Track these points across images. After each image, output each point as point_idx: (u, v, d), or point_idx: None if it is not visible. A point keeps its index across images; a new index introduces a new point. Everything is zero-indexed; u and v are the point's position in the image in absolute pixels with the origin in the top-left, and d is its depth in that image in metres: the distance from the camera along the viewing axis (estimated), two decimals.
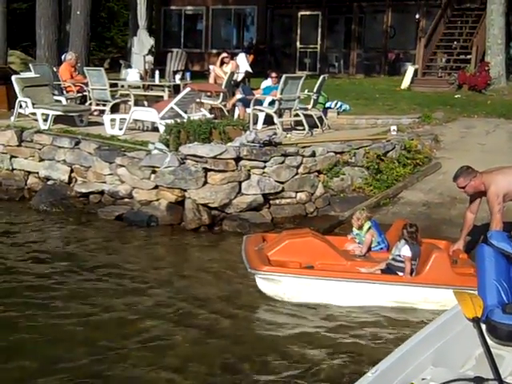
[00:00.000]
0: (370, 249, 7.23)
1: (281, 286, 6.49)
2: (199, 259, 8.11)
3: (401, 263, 6.56)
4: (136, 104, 12.55)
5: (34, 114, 11.97)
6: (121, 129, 11.23)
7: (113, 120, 11.50)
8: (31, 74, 13.65)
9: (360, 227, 7.30)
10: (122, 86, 14.38)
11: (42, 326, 5.88)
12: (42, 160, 10.64)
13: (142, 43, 15.04)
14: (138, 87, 14.35)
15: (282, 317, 6.31)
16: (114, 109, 12.80)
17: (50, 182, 10.42)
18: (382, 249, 7.25)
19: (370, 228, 7.27)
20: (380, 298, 6.41)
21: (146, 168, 9.37)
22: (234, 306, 6.51)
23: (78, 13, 16.24)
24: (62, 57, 15.20)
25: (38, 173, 10.63)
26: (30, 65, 14.82)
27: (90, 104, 13.44)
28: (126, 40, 28.63)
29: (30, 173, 10.77)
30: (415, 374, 3.71)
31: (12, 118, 12.24)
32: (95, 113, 13.33)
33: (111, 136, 10.98)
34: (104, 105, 13.13)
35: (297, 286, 6.49)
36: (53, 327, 5.87)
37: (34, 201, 10.10)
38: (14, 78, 12.47)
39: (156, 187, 9.29)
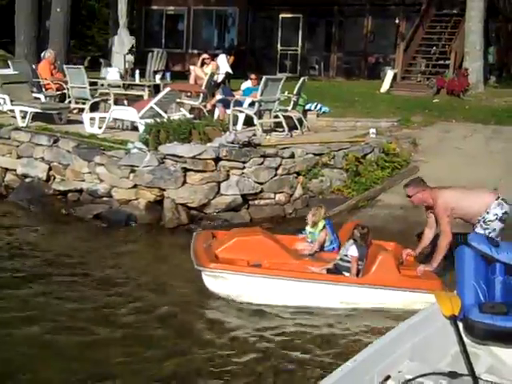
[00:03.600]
0: (322, 248, 7.23)
1: (227, 283, 6.44)
2: (174, 258, 8.05)
3: (348, 263, 6.57)
4: (116, 103, 12.52)
5: (12, 110, 11.89)
6: (100, 127, 11.18)
7: (92, 118, 11.44)
8: (10, 71, 13.55)
9: (314, 225, 7.27)
10: (102, 85, 14.30)
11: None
12: (19, 157, 10.56)
13: (122, 42, 14.98)
14: (118, 86, 14.27)
15: (225, 317, 6.30)
16: (94, 107, 12.73)
17: (27, 180, 10.35)
18: (334, 248, 7.22)
19: (324, 227, 7.27)
20: (325, 298, 6.40)
21: (125, 167, 9.34)
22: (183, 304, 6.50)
23: (58, 10, 16.13)
24: (42, 54, 15.09)
25: (15, 170, 10.54)
26: (9, 62, 14.70)
27: (70, 102, 13.37)
28: (106, 39, 28.45)
29: (7, 170, 10.67)
30: (392, 366, 3.80)
31: None
32: (74, 111, 13.27)
33: (90, 134, 10.92)
34: (83, 103, 13.07)
35: (243, 284, 6.43)
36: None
37: (11, 198, 10.03)
38: None
39: (135, 186, 9.27)
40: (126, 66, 14.89)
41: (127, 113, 11.22)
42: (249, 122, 11.86)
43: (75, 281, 7.02)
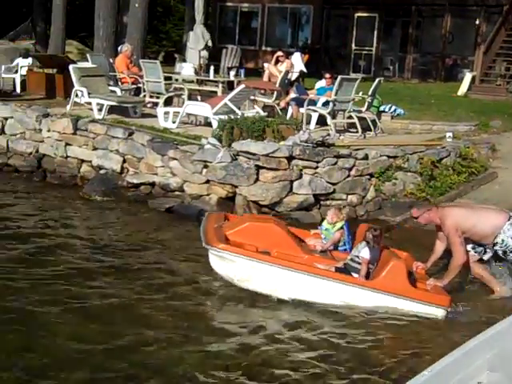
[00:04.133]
0: (336, 247, 7.16)
1: (233, 266, 6.42)
2: None
3: (358, 265, 6.47)
4: (189, 98, 12.67)
5: (89, 103, 12.19)
6: (174, 122, 11.35)
7: (166, 113, 11.63)
8: (88, 64, 13.91)
9: (333, 223, 7.21)
10: (176, 80, 14.54)
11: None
12: (95, 149, 10.83)
13: (197, 38, 15.18)
14: (192, 81, 14.48)
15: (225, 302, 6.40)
16: (168, 102, 12.94)
17: (102, 171, 10.61)
18: (345, 250, 7.12)
19: (342, 227, 7.21)
20: (329, 296, 6.30)
21: (199, 162, 9.46)
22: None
23: (137, 5, 16.46)
24: (119, 48, 15.43)
25: (91, 161, 10.82)
26: (88, 55, 15.09)
27: (144, 96, 13.63)
28: (180, 34, 28.89)
29: (83, 161, 10.96)
30: (471, 377, 3.69)
31: (68, 107, 12.49)
32: (148, 105, 13.50)
33: (164, 129, 11.11)
34: (158, 97, 13.29)
35: (248, 269, 6.38)
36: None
37: (86, 188, 10.29)
38: (71, 67, 12.71)
39: (207, 182, 9.38)
40: (201, 61, 15.07)
41: (201, 108, 11.35)
42: (322, 121, 11.82)
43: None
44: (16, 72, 15.37)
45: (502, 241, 6.43)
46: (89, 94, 12.10)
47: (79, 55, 20.96)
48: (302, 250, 6.85)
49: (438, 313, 6.15)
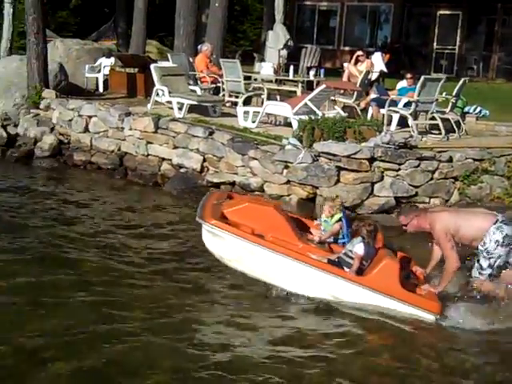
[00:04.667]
0: (336, 240, 7.13)
1: (223, 244, 6.44)
2: None
3: (351, 259, 6.40)
4: (268, 98, 12.75)
5: (169, 102, 12.44)
6: (253, 121, 11.44)
7: (246, 112, 11.73)
8: (169, 64, 14.19)
9: (331, 216, 7.20)
10: (255, 80, 14.64)
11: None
12: (175, 147, 11.04)
13: (277, 37, 15.25)
14: (271, 81, 14.56)
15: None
16: (246, 101, 13.06)
17: (182, 170, 10.81)
18: (344, 243, 7.02)
19: (340, 219, 7.17)
20: (317, 288, 6.27)
21: (279, 162, 9.52)
22: None
23: (217, 5, 16.68)
24: (198, 47, 15.68)
25: (171, 160, 11.04)
26: (168, 54, 15.40)
27: (223, 95, 13.79)
28: (257, 34, 29.08)
29: (163, 159, 11.20)
30: None
31: (149, 106, 12.78)
32: (227, 104, 13.66)
33: (244, 128, 11.21)
34: (237, 97, 13.43)
35: (238, 249, 6.39)
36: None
37: (166, 187, 10.53)
38: (152, 66, 13.01)
39: (288, 182, 9.42)
40: (280, 61, 15.12)
41: (281, 108, 11.39)
42: (403, 122, 11.66)
43: None
44: (99, 71, 15.84)
45: (484, 243, 6.34)
46: (169, 92, 12.33)
47: (158, 55, 21.40)
48: (299, 238, 6.76)
49: (428, 319, 6.10)
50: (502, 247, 6.30)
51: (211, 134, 10.72)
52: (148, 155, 11.39)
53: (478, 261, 6.41)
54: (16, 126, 13.10)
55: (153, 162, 11.29)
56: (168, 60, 14.75)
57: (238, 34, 30.45)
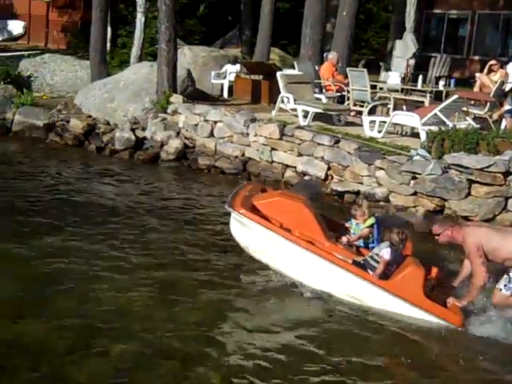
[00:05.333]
0: (367, 245, 7.10)
1: (250, 234, 6.61)
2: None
3: (376, 263, 6.40)
4: (394, 108, 12.62)
5: (294, 109, 12.59)
6: (379, 131, 11.37)
7: (372, 122, 11.68)
8: (295, 72, 14.36)
9: (363, 221, 7.19)
10: (381, 89, 14.53)
11: None
12: (300, 155, 11.15)
13: (406, 46, 15.07)
14: (396, 91, 14.40)
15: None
16: (371, 111, 12.99)
17: (306, 177, 10.89)
18: (372, 248, 6.92)
19: (372, 225, 7.12)
20: (339, 287, 6.38)
21: (407, 173, 9.40)
22: None
23: (344, 14, 16.70)
24: (324, 56, 15.77)
25: (295, 167, 11.16)
26: (294, 62, 15.61)
27: (348, 104, 13.79)
28: (381, 42, 28.82)
29: (287, 166, 11.33)
30: None
31: (273, 112, 13.00)
32: (351, 113, 13.65)
33: (370, 137, 11.16)
34: (361, 106, 13.39)
35: (264, 240, 6.54)
36: None
37: None
38: (278, 74, 13.24)
39: (415, 193, 9.30)
40: (408, 70, 14.92)
41: (409, 118, 11.23)
42: None
43: None
44: (224, 78, 16.28)
45: None
46: (295, 100, 12.48)
47: (280, 62, 21.67)
48: (326, 237, 6.73)
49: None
50: None
51: (337, 142, 10.74)
52: (272, 162, 11.55)
53: (509, 273, 6.31)
54: (144, 129, 13.62)
55: (276, 169, 11.44)
56: (293, 68, 14.94)
57: (360, 43, 30.27)
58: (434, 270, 6.84)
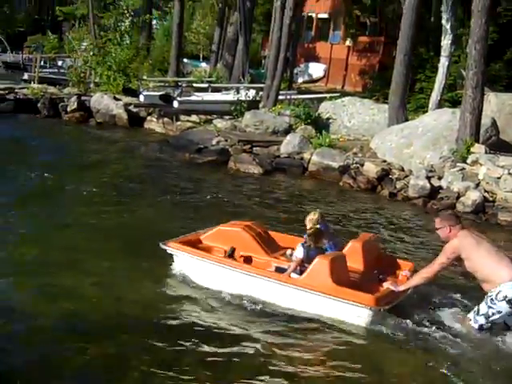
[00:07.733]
0: (324, 250, 7.25)
1: (180, 262, 7.41)
2: None
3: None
4: None
5: None
6: None
7: None
8: None
9: (310, 229, 7.33)
10: None
11: None
12: None
13: None
14: None
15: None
16: None
17: None
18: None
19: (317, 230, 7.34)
20: (260, 293, 6.85)
21: None
22: None
23: None
24: None
25: None
26: None
27: None
28: None
29: None
30: None
31: None
32: None
33: None
34: None
35: (190, 265, 7.30)
36: None
37: None
38: None
39: None
40: None
41: None
42: None
43: None
44: None
45: (493, 290, 6.30)
46: None
47: None
48: (267, 252, 7.46)
49: (361, 312, 6.40)
50: (507, 304, 6.26)
51: None
52: None
53: (479, 304, 6.43)
54: (440, 178, 13.47)
55: None
56: None
57: None
58: (408, 265, 7.54)
